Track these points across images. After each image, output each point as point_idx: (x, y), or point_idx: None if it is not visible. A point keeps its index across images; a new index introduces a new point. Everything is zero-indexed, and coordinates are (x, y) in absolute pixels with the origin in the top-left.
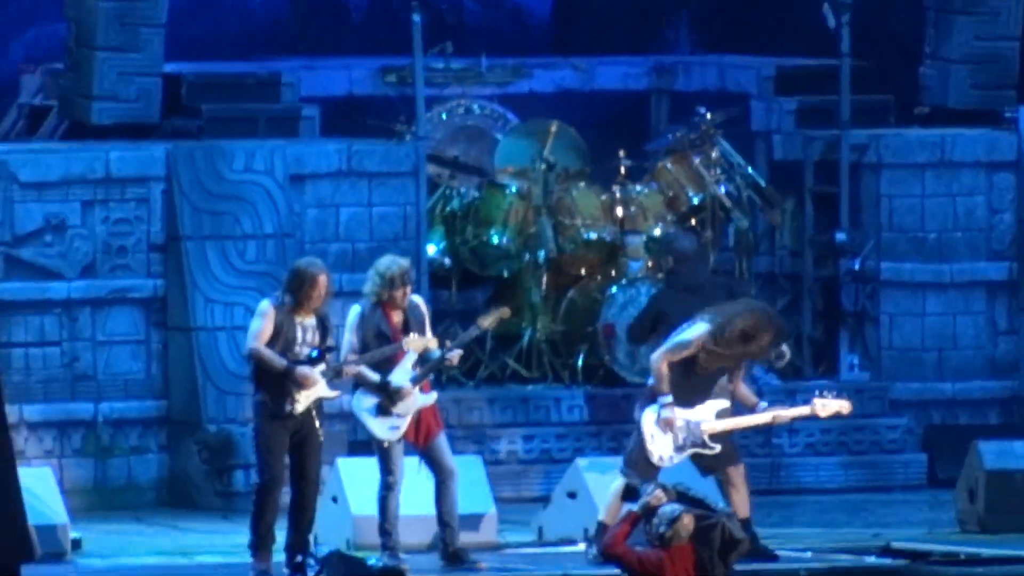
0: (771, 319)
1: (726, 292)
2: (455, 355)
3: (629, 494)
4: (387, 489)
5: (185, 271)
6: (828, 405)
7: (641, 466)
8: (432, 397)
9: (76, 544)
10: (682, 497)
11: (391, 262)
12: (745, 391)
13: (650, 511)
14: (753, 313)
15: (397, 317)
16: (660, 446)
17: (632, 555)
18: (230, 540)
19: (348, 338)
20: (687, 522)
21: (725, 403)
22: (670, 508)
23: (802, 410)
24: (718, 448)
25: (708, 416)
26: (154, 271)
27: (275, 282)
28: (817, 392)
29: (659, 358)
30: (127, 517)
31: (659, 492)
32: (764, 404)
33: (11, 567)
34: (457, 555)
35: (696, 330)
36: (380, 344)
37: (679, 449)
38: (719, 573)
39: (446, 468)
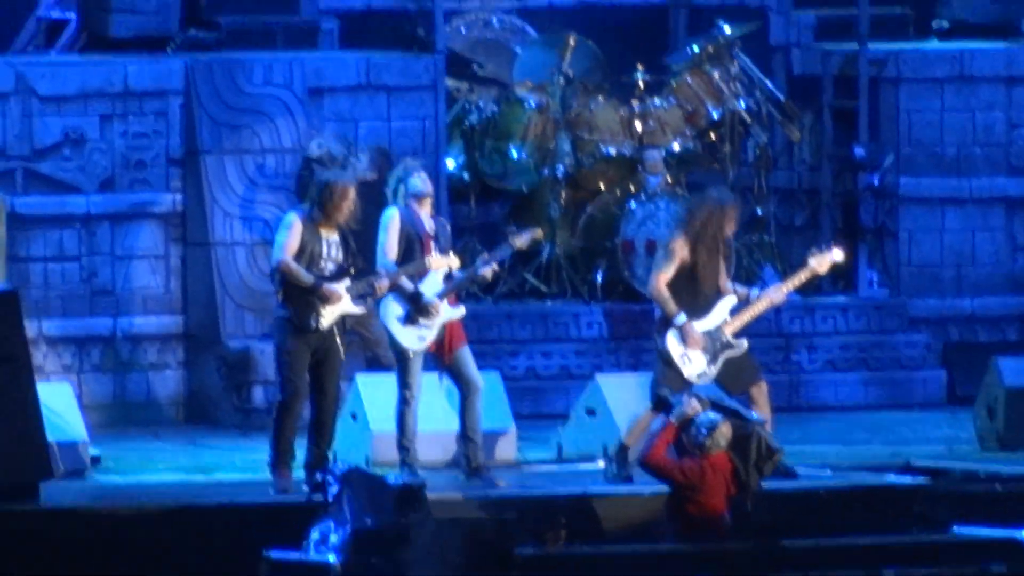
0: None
1: None
2: (488, 270)
3: (661, 406)
4: (404, 404)
5: (204, 185)
6: (823, 259)
7: (675, 388)
8: (460, 311)
9: (95, 460)
10: (716, 407)
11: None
12: (735, 287)
13: (687, 421)
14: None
15: (429, 223)
16: (695, 364)
17: (673, 465)
18: (249, 457)
19: (383, 238)
20: (725, 430)
21: (733, 299)
22: (708, 417)
23: (800, 275)
24: (745, 343)
25: (723, 316)
26: (173, 185)
27: (294, 197)
28: (810, 251)
29: (654, 282)
30: (146, 433)
31: (695, 402)
32: (756, 291)
33: (31, 484)
34: (479, 471)
35: (671, 241)
36: (412, 244)
37: (713, 359)
38: (753, 483)
39: (471, 382)
